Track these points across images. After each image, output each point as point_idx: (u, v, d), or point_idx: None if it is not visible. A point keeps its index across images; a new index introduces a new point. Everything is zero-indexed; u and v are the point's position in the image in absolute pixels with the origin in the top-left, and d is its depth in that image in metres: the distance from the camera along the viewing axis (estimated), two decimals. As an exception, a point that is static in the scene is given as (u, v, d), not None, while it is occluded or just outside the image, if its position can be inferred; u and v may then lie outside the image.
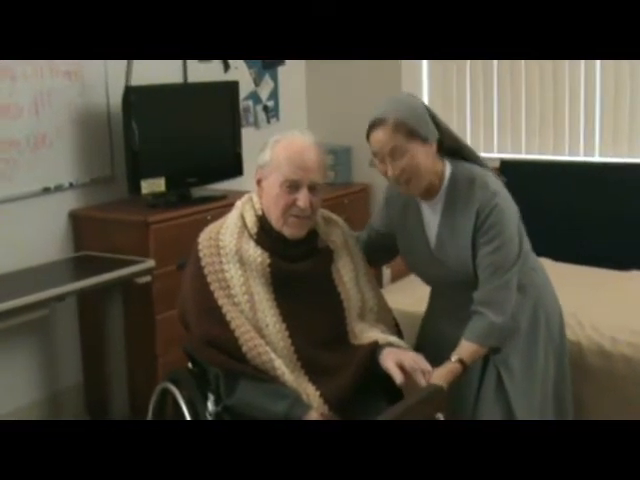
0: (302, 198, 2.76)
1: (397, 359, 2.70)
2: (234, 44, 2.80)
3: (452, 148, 2.93)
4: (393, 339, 2.84)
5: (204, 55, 4.44)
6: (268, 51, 2.94)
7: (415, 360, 2.70)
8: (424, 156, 2.81)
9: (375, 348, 2.78)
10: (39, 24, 2.60)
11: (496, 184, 2.89)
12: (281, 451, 1.98)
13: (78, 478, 1.91)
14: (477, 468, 1.92)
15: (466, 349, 2.81)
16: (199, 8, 2.70)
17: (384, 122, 2.76)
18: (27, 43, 2.63)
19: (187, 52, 3.06)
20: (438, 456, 1.95)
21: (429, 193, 2.91)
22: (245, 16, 2.72)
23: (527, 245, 3.02)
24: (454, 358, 2.78)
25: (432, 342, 3.05)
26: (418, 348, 2.98)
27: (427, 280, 3.12)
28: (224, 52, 3.28)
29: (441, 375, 2.72)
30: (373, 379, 2.77)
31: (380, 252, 3.18)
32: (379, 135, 2.77)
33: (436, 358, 2.79)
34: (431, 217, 2.96)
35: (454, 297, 2.98)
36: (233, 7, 2.71)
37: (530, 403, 2.94)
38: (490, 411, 2.92)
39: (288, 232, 2.80)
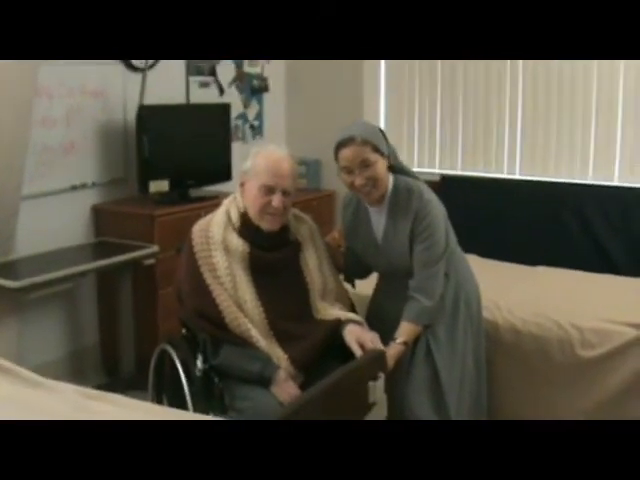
0: (276, 200, 2.77)
1: (358, 338, 2.73)
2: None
3: (394, 165, 2.96)
4: (352, 316, 2.86)
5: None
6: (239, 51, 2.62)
7: (373, 341, 2.72)
8: (383, 168, 2.85)
9: (339, 324, 2.79)
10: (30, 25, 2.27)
11: (429, 194, 2.93)
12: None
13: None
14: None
15: (406, 330, 2.86)
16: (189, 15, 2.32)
17: (353, 140, 2.78)
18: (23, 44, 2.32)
19: (176, 52, 2.61)
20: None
21: (378, 201, 2.93)
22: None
23: (454, 241, 3.05)
24: (399, 340, 2.83)
25: (378, 315, 3.08)
26: (367, 319, 3.02)
27: (376, 268, 3.14)
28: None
29: (391, 356, 2.77)
30: (332, 347, 2.78)
31: (358, 264, 3.15)
32: (349, 151, 2.79)
33: (381, 327, 2.85)
34: (378, 219, 2.99)
35: (396, 281, 3.00)
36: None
37: (452, 364, 2.98)
38: (421, 371, 2.95)
39: (264, 226, 2.81)
